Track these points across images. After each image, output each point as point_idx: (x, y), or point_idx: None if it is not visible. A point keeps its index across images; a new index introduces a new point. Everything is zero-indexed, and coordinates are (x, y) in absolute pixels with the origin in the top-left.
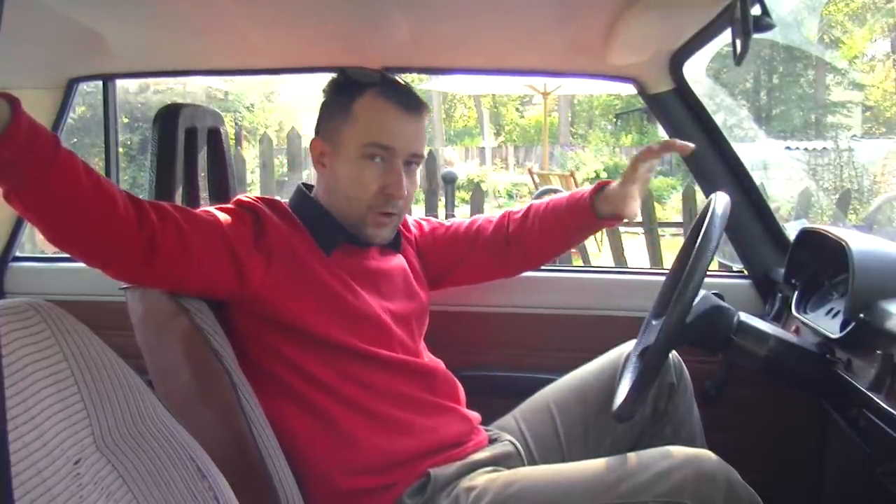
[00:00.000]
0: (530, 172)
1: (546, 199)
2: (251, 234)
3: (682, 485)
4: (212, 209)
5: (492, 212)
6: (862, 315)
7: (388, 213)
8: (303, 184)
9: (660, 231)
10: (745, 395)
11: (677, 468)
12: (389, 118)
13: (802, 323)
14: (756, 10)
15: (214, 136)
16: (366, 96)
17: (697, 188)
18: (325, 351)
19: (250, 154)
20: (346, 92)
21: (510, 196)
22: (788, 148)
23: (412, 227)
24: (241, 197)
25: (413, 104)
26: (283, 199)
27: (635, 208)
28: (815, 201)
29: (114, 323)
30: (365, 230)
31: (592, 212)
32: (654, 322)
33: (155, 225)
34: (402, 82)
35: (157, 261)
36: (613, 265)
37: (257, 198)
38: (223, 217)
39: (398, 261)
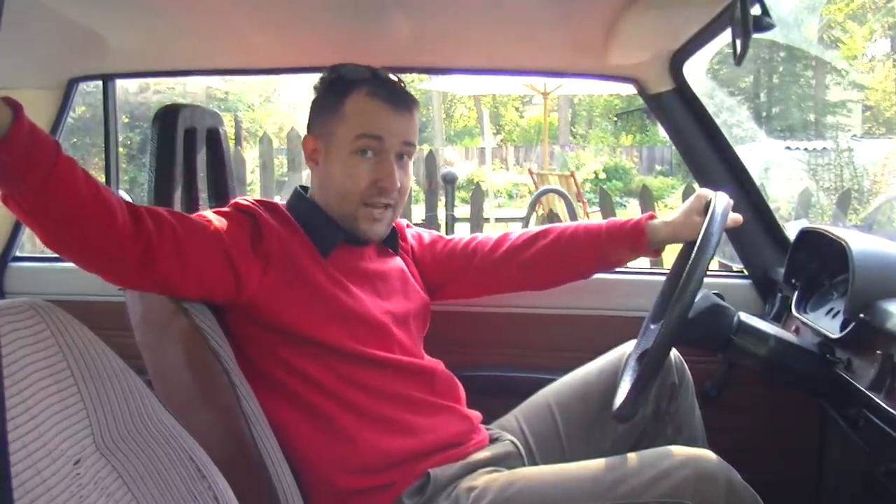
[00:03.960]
0: (530, 172)
1: (564, 224)
2: (248, 239)
3: (682, 485)
4: (209, 214)
5: (491, 211)
6: (862, 315)
7: (383, 205)
8: (300, 186)
9: None
10: (745, 395)
11: (678, 468)
12: (379, 115)
13: (802, 323)
14: (756, 10)
15: (214, 136)
16: (356, 94)
17: (697, 188)
18: (322, 353)
19: (250, 154)
20: (337, 90)
21: (510, 196)
22: (788, 148)
23: (410, 238)
24: (240, 200)
25: (402, 101)
26: (283, 200)
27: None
28: (815, 201)
29: (114, 323)
30: (359, 226)
31: (645, 237)
32: (651, 326)
33: (152, 232)
34: (394, 78)
35: (153, 268)
36: None
37: (255, 201)
38: (221, 222)
39: (396, 262)
